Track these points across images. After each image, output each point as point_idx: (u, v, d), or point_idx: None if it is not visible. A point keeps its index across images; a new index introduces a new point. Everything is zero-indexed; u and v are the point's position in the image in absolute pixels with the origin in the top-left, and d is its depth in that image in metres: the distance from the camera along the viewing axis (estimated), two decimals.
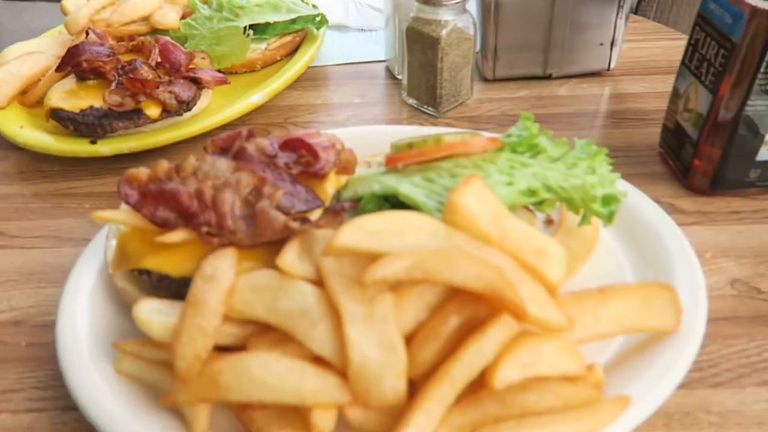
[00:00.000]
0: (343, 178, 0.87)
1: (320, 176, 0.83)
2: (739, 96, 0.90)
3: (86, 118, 1.09)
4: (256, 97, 1.20)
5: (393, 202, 0.79)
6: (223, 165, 0.77)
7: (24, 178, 1.14)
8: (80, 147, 1.10)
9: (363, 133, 1.09)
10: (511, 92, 1.35)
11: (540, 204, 0.82)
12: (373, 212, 0.79)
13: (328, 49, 1.55)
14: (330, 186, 0.83)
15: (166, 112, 1.12)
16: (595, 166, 0.84)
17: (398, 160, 0.82)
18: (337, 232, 0.64)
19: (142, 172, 0.78)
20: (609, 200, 0.82)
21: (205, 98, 1.23)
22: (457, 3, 1.15)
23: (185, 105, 1.14)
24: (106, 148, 1.10)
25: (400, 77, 1.40)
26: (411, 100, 1.30)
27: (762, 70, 0.86)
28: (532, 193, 0.78)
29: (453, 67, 1.21)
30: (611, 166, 0.85)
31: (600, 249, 0.87)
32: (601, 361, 0.72)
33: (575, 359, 0.65)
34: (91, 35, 1.22)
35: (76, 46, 1.16)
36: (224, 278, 0.67)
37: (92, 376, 0.70)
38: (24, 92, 1.26)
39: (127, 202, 0.74)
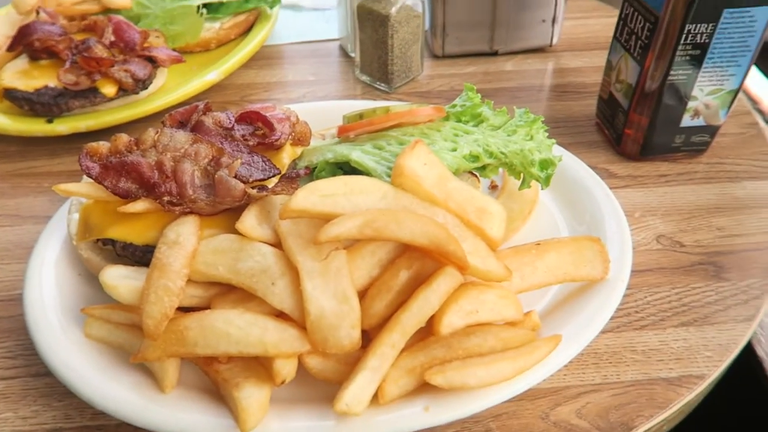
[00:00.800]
0: (299, 150, 0.91)
1: (276, 147, 0.87)
2: (663, 67, 0.98)
3: (41, 98, 1.10)
4: (212, 75, 1.23)
5: (345, 169, 0.84)
6: (182, 137, 0.80)
7: None
8: (37, 126, 1.11)
9: (318, 108, 1.13)
10: (460, 68, 1.41)
11: (483, 169, 0.88)
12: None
13: (281, 28, 1.58)
14: (286, 156, 0.87)
15: (123, 90, 1.14)
16: (533, 133, 0.90)
17: (350, 129, 0.86)
18: (293, 195, 0.68)
19: (102, 145, 0.81)
20: (546, 164, 0.89)
21: (161, 77, 1.25)
22: None
23: (141, 83, 1.15)
24: (63, 126, 1.11)
25: (353, 55, 1.44)
26: (364, 77, 1.34)
27: (682, 42, 0.94)
28: (474, 158, 0.84)
29: (403, 43, 1.26)
30: (548, 133, 0.92)
31: (539, 210, 0.94)
32: (538, 308, 0.79)
33: (514, 306, 0.72)
34: (42, 14, 1.22)
35: (27, 26, 1.16)
36: (187, 243, 0.71)
37: (62, 342, 0.73)
38: None
39: (89, 175, 0.77)
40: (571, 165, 0.98)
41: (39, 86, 1.11)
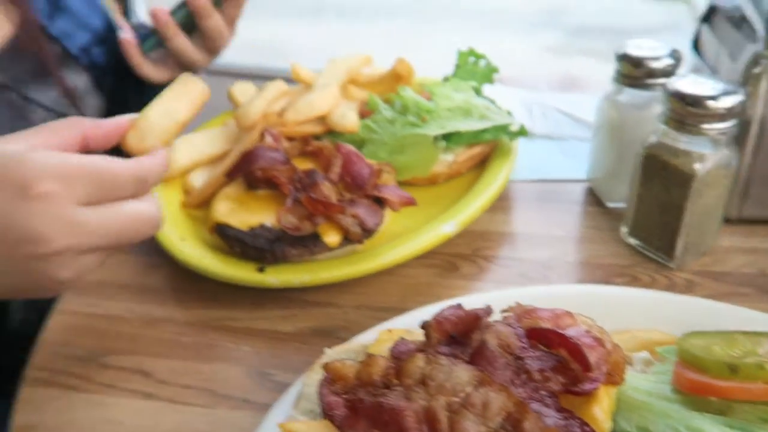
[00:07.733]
0: (612, 391, 0.61)
1: (584, 394, 0.58)
2: None
3: (256, 241, 0.93)
4: (449, 227, 0.99)
5: None
6: (463, 375, 0.54)
7: (178, 298, 0.98)
8: (247, 274, 0.92)
9: (582, 294, 0.85)
10: (763, 240, 1.05)
11: None
12: None
13: None
14: (599, 410, 0.58)
15: (346, 239, 0.94)
16: None
17: (710, 392, 0.55)
18: None
19: (348, 366, 0.57)
20: None
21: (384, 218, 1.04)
22: (723, 132, 0.90)
23: (368, 233, 0.95)
24: (274, 279, 0.92)
25: (610, 205, 1.15)
26: (634, 241, 1.04)
27: None
28: None
29: (704, 210, 0.94)
30: None
31: None
32: None
33: None
34: (267, 138, 1.08)
35: (251, 152, 1.02)
36: None
37: None
38: (186, 191, 1.14)
39: (330, 417, 0.53)
40: None
41: (254, 224, 0.95)
